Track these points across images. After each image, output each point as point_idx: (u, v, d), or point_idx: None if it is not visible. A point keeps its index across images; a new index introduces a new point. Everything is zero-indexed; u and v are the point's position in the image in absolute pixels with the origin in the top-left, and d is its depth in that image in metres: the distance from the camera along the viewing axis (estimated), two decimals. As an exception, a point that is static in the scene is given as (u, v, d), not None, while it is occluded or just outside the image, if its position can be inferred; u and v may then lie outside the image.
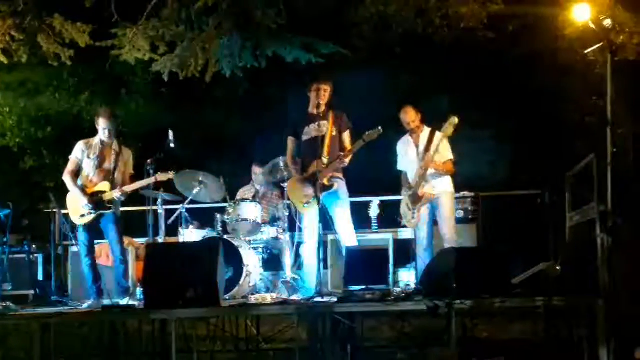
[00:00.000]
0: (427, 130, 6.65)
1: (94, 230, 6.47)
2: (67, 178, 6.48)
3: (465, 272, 5.13)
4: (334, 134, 6.27)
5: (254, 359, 6.48)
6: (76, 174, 6.49)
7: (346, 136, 6.38)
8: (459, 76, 10.05)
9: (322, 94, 6.33)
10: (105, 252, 6.95)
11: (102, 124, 6.47)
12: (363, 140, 6.15)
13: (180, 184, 7.03)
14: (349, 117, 6.49)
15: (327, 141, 6.19)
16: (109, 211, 6.39)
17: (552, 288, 5.24)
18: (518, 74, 9.54)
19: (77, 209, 6.41)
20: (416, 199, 6.56)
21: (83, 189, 6.42)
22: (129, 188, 6.46)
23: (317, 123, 6.25)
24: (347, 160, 6.25)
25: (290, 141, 6.49)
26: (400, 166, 6.86)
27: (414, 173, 6.62)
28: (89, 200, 6.35)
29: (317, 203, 5.97)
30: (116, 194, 6.37)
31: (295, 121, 6.51)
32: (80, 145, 6.52)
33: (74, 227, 6.66)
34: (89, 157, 6.47)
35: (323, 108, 6.29)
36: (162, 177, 6.55)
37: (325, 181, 6.08)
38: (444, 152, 6.61)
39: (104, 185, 6.42)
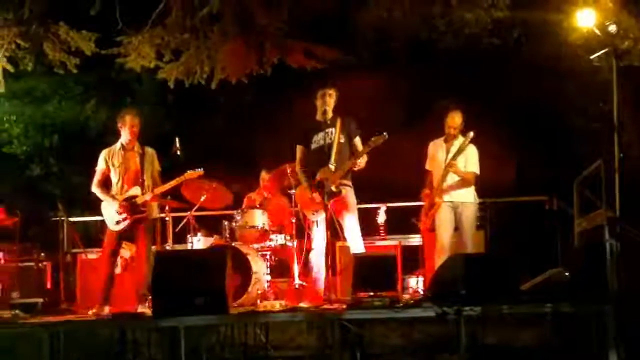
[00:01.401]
0: (460, 139, 6.62)
1: (124, 236, 6.52)
2: (94, 189, 6.54)
3: (474, 279, 5.10)
4: (342, 140, 6.21)
5: (262, 366, 6.48)
6: (104, 183, 6.52)
7: (357, 142, 6.30)
8: (464, 82, 10.06)
9: (327, 100, 6.28)
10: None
11: (128, 121, 6.47)
12: (368, 146, 6.11)
13: (187, 191, 7.06)
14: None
15: (334, 148, 6.13)
16: (142, 215, 6.43)
17: (561, 294, 5.22)
18: (523, 79, 9.55)
19: (112, 216, 6.45)
20: (431, 204, 6.59)
21: (113, 196, 6.46)
22: (159, 190, 6.49)
23: (325, 131, 6.22)
24: (361, 161, 6.16)
25: (299, 149, 6.44)
26: (428, 166, 6.87)
27: (438, 177, 6.64)
28: (121, 206, 6.39)
29: (325, 210, 5.97)
30: (148, 197, 6.41)
31: (304, 129, 6.47)
32: (102, 155, 6.56)
33: (103, 231, 6.72)
34: (113, 165, 6.50)
35: (330, 114, 6.25)
36: (191, 174, 6.57)
37: (333, 187, 6.07)
38: (471, 163, 6.62)
39: (135, 190, 6.44)
